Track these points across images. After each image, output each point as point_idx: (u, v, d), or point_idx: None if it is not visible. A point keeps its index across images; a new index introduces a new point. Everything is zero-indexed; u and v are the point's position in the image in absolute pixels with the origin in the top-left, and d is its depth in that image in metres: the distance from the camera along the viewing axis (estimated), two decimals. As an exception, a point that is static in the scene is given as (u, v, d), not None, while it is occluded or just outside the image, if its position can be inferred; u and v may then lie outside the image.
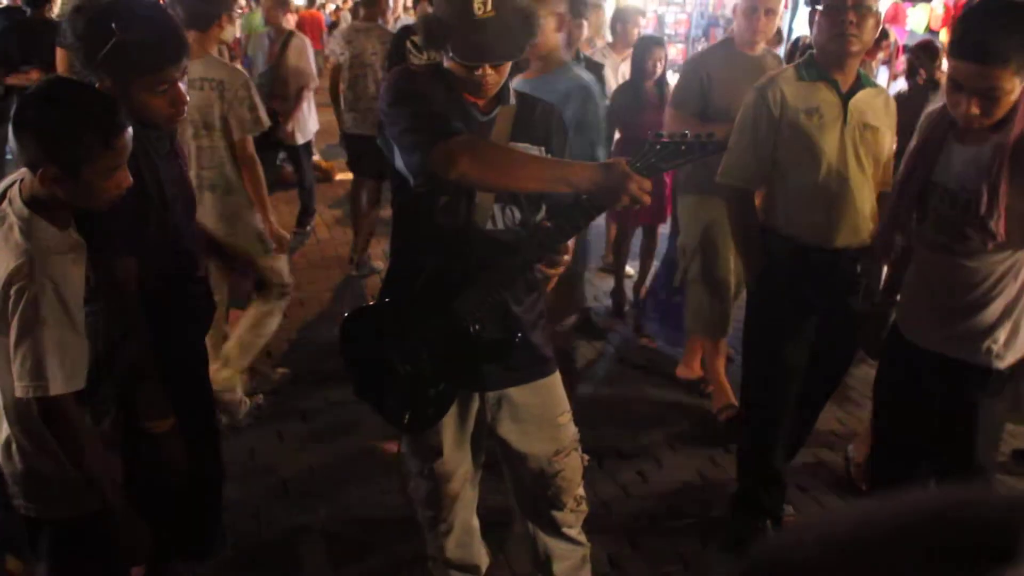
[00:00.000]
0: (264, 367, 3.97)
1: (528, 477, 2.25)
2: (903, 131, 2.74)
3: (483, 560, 2.50)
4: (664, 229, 4.97)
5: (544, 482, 2.24)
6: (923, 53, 4.85)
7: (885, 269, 2.64)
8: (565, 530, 2.31)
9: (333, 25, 13.41)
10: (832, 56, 2.54)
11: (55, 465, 1.79)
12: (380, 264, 5.38)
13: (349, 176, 5.90)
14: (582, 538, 2.36)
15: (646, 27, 6.30)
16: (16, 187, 1.75)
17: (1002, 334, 2.16)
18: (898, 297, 2.45)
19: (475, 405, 2.21)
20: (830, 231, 2.63)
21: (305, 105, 5.71)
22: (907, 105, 3.89)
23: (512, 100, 2.06)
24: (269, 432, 3.57)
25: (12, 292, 1.66)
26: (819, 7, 2.52)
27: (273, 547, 2.88)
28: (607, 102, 4.27)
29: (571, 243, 2.10)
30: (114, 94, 1.84)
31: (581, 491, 2.32)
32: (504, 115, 2.03)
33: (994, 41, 1.91)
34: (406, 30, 4.55)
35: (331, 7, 16.92)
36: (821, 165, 2.57)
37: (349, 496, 3.15)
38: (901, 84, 5.58)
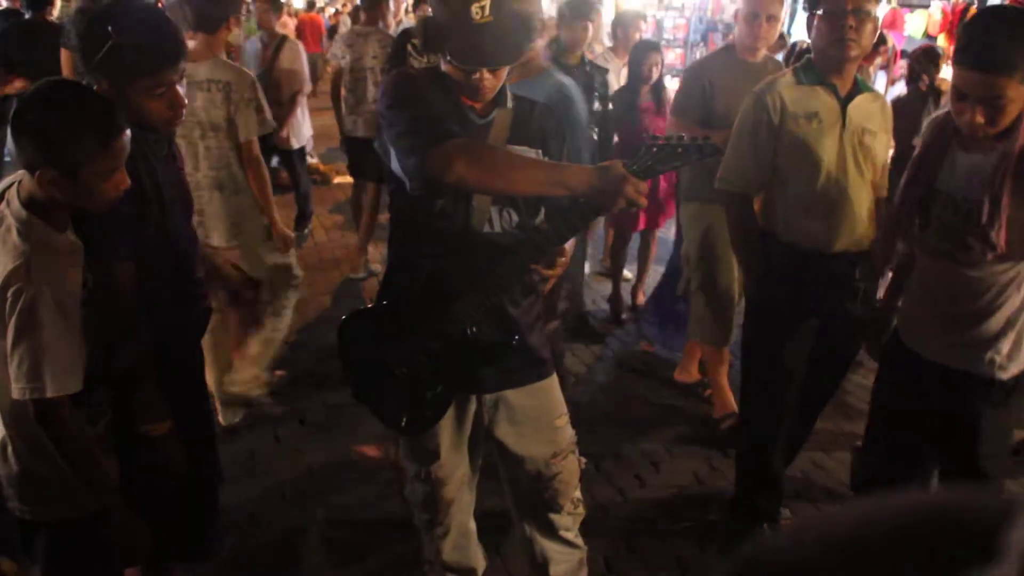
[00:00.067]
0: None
1: (525, 480, 2.25)
2: (900, 136, 2.74)
3: (480, 563, 2.49)
4: (663, 233, 4.97)
5: (541, 485, 2.24)
6: (925, 58, 4.85)
7: (889, 275, 2.62)
8: (562, 533, 2.31)
9: (332, 29, 13.44)
10: (831, 61, 2.54)
11: (51, 467, 1.78)
12: (378, 267, 5.38)
13: (348, 180, 5.90)
14: (579, 541, 2.36)
15: (645, 32, 6.31)
16: (14, 189, 1.75)
17: (1005, 345, 2.14)
18: (899, 303, 2.45)
19: (472, 408, 2.21)
20: (829, 236, 2.62)
21: (299, 110, 5.70)
22: (905, 110, 3.91)
23: (509, 103, 2.06)
24: (267, 434, 3.57)
25: (9, 294, 1.66)
26: (818, 12, 2.51)
27: (271, 548, 2.88)
28: (609, 106, 4.27)
29: (569, 245, 2.10)
30: (112, 97, 1.84)
31: (578, 494, 2.31)
32: (501, 118, 2.03)
33: (1000, 50, 1.89)
34: (407, 33, 4.56)
35: (331, 11, 16.95)
36: (820, 170, 2.56)
37: (347, 498, 3.15)
38: (898, 89, 5.59)
